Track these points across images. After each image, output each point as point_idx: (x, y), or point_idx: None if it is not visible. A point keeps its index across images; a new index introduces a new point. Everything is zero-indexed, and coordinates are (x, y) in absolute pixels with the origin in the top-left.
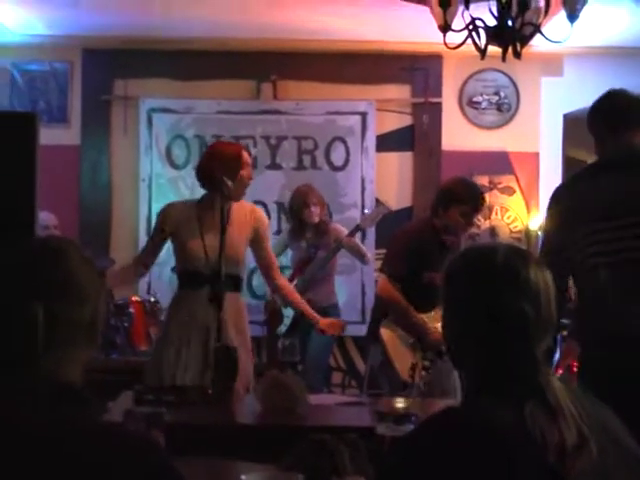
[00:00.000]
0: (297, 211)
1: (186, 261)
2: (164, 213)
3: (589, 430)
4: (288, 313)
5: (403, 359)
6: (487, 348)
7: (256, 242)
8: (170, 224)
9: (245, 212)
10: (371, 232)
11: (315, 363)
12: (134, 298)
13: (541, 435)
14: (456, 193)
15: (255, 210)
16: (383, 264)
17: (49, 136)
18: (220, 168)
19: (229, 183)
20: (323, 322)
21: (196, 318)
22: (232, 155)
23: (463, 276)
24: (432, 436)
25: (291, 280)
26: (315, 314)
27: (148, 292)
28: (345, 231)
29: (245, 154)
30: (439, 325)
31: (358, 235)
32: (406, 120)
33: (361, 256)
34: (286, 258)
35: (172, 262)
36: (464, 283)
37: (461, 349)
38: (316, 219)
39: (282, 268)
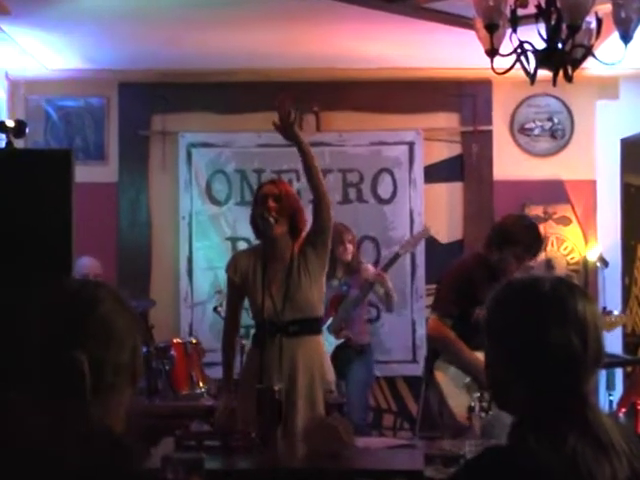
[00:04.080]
0: (332, 249)
1: (255, 313)
2: (232, 266)
3: None
4: None
5: (459, 401)
6: (533, 383)
7: (312, 241)
8: (239, 276)
9: (305, 243)
10: (421, 267)
11: (355, 403)
12: (175, 340)
13: (589, 473)
14: (513, 234)
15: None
16: (434, 303)
17: (86, 174)
18: (252, 208)
19: (270, 221)
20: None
21: (270, 371)
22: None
23: (508, 307)
24: (476, 477)
25: (325, 319)
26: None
27: (190, 334)
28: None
29: (264, 188)
30: None
31: (408, 270)
32: (455, 149)
33: (388, 298)
34: None
35: (215, 301)
36: (509, 314)
37: (505, 385)
38: (349, 257)
39: None
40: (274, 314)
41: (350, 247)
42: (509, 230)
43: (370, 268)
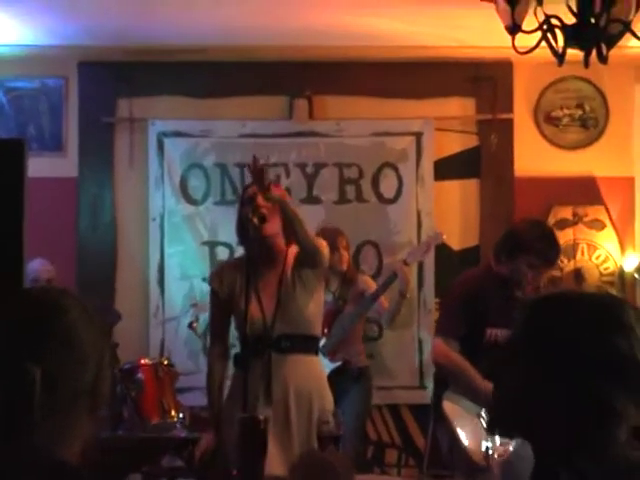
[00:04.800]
0: None
1: (240, 327)
2: (216, 277)
3: None
4: None
5: (473, 437)
6: (578, 405)
7: (304, 261)
8: (225, 289)
9: (297, 255)
10: (429, 277)
11: (352, 435)
12: (143, 361)
13: None
14: (524, 240)
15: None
16: (437, 324)
17: (40, 167)
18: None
19: (255, 221)
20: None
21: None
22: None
23: (551, 320)
24: None
25: None
26: None
27: (161, 353)
28: (374, 285)
29: (250, 188)
30: None
31: (415, 281)
32: (470, 141)
33: (400, 297)
34: None
35: (190, 316)
36: (552, 328)
37: (535, 407)
38: (345, 266)
39: None
40: (262, 328)
41: (345, 254)
42: (520, 236)
43: (368, 280)
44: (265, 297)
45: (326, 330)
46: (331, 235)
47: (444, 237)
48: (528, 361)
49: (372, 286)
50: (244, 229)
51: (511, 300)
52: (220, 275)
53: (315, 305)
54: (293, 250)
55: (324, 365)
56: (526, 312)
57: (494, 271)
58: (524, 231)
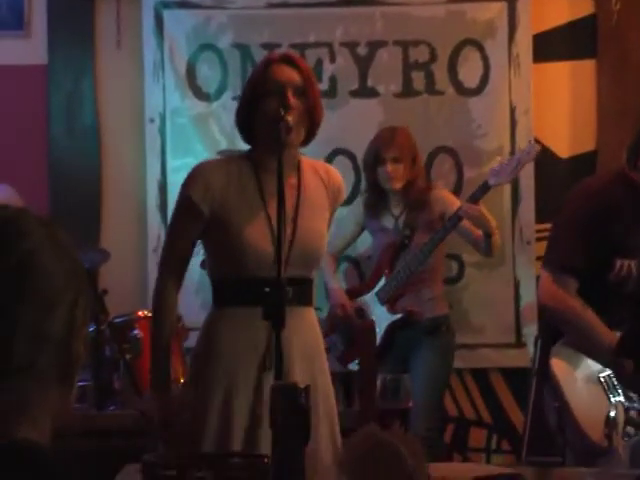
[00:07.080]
0: (369, 171)
1: (241, 262)
2: (198, 184)
3: None
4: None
5: (590, 408)
6: None
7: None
8: (209, 202)
9: (320, 175)
10: (528, 197)
11: (423, 409)
12: (141, 313)
13: None
14: None
15: (330, 172)
16: (547, 253)
17: None
18: (246, 95)
19: (288, 118)
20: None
21: (250, 350)
22: (255, 69)
23: None
24: None
25: (373, 282)
26: None
27: None
28: (457, 202)
29: (277, 67)
30: None
31: (507, 203)
32: (583, 6)
33: (486, 237)
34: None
35: (202, 252)
36: None
37: None
38: (397, 184)
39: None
40: (272, 267)
41: (396, 168)
42: None
43: (448, 195)
44: (273, 221)
45: (387, 270)
46: (378, 142)
47: (538, 148)
48: None
49: (455, 202)
50: (249, 121)
51: None
52: (205, 183)
53: (325, 233)
54: (317, 168)
55: (382, 316)
56: None
57: (628, 178)
58: None
